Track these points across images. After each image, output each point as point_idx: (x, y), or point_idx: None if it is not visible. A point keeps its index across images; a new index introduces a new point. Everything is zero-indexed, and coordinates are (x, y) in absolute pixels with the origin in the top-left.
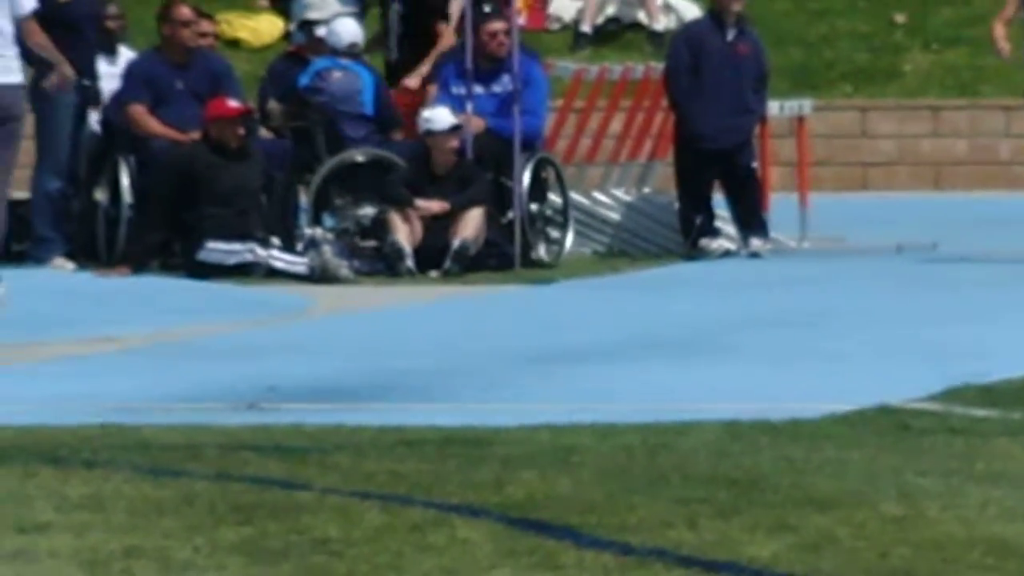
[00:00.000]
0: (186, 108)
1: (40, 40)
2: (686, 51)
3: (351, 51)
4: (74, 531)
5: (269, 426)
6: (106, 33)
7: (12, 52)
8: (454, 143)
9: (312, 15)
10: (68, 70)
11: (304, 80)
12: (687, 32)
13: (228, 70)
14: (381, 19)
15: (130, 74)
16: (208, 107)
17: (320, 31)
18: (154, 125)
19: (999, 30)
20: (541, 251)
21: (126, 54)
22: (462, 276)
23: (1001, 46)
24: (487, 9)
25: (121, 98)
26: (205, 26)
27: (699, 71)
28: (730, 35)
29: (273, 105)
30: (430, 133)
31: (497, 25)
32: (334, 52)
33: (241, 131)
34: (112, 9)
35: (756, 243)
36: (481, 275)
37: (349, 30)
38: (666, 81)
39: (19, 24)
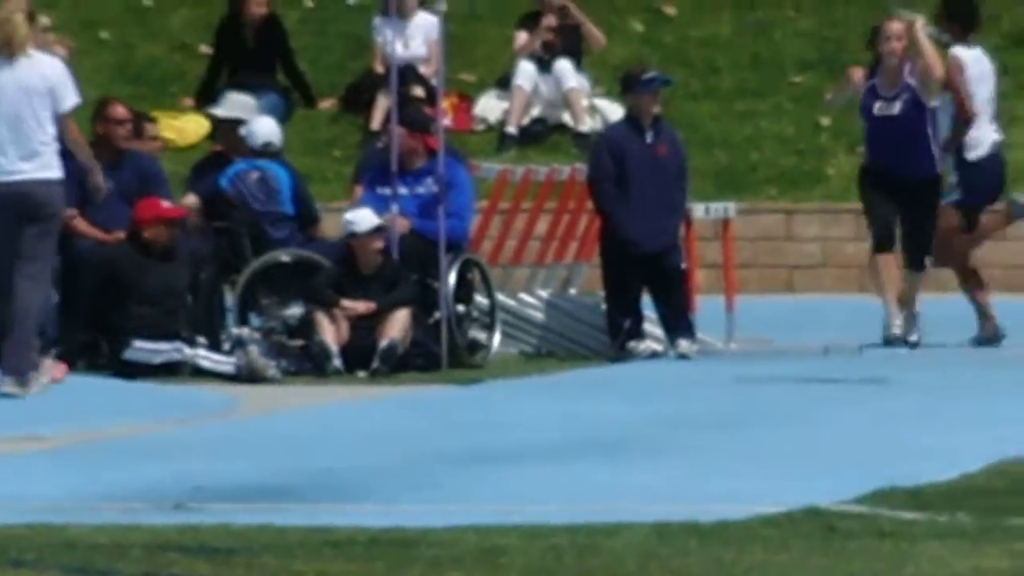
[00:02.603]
0: (114, 208)
1: (77, 138)
2: (608, 158)
3: (267, 150)
4: None
5: (196, 526)
6: None
7: (52, 147)
8: (377, 244)
9: (222, 113)
10: (100, 178)
11: (223, 182)
12: (607, 139)
13: (158, 171)
14: None
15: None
16: (140, 207)
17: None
18: (80, 225)
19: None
20: (470, 352)
21: None
22: (389, 376)
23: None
24: (418, 117)
25: None
26: (151, 129)
27: (623, 177)
28: (649, 137)
29: (191, 199)
30: (354, 235)
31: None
32: (252, 152)
33: (175, 233)
34: None
35: (684, 345)
36: (408, 375)
37: (264, 130)
38: (591, 189)
39: (59, 119)
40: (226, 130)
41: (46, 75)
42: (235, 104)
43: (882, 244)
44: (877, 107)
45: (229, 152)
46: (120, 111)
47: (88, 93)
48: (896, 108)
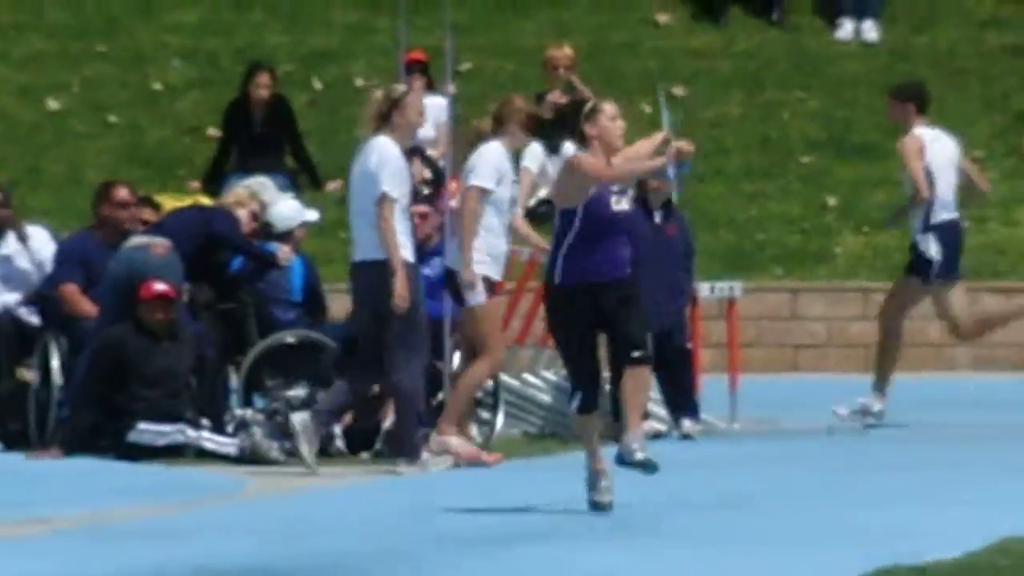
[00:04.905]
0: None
1: (385, 224)
2: None
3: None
4: None
5: None
6: None
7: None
8: None
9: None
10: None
11: (235, 264)
12: None
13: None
14: None
15: (64, 254)
16: (139, 289)
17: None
18: (86, 305)
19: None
20: (473, 432)
21: (38, 235)
22: (393, 458)
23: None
24: (426, 191)
25: (54, 278)
26: (147, 214)
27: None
28: (657, 217)
29: (203, 290)
30: None
31: (415, 208)
32: (269, 235)
33: (160, 315)
34: None
35: (687, 425)
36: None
37: (286, 215)
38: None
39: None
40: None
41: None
42: (263, 189)
43: (589, 404)
44: (615, 201)
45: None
46: (123, 193)
47: (97, 176)
48: (626, 203)
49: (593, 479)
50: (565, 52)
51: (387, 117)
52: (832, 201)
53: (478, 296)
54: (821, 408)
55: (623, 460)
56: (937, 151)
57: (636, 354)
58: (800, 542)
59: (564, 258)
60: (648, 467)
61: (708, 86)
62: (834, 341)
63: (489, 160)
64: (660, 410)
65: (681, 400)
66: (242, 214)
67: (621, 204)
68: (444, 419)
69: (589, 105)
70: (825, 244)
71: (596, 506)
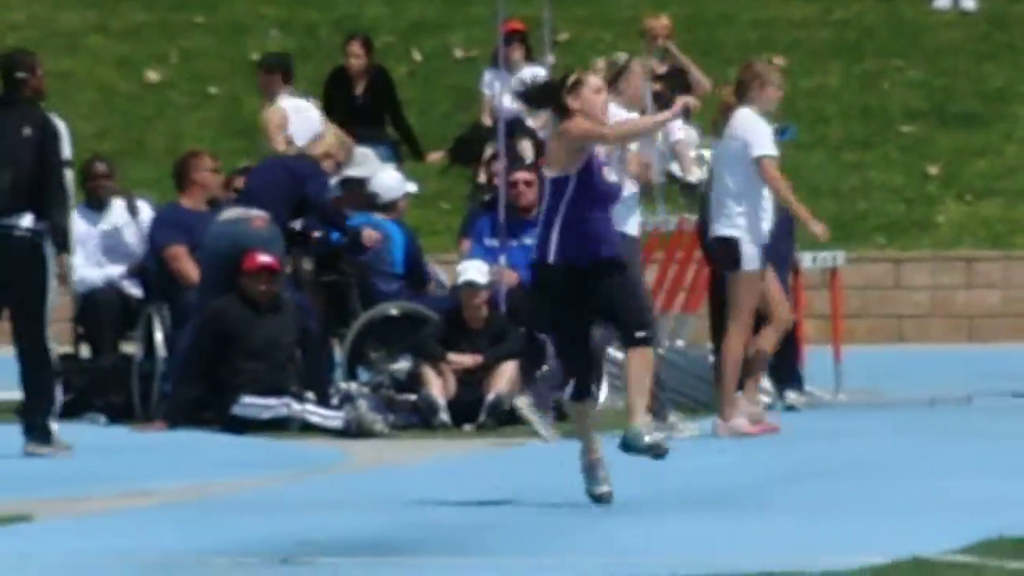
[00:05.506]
0: None
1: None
2: None
3: (388, 207)
4: None
5: None
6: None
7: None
8: (479, 299)
9: (353, 172)
10: None
11: (336, 236)
12: None
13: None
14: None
15: (164, 221)
16: (243, 260)
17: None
18: (193, 270)
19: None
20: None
21: (142, 208)
22: (497, 429)
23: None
24: (529, 160)
25: (159, 244)
26: (240, 183)
27: None
28: None
29: (306, 262)
30: (456, 288)
31: (519, 175)
32: (372, 206)
33: (264, 287)
34: (100, 167)
35: (791, 396)
36: (516, 428)
37: (390, 185)
38: (702, 239)
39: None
40: (352, 186)
41: None
42: (362, 161)
43: (582, 391)
44: (607, 172)
45: (344, 207)
46: (208, 160)
47: (196, 146)
48: (616, 175)
49: (589, 469)
50: (662, 22)
51: (613, 84)
52: (934, 170)
53: (753, 262)
54: (925, 378)
55: (628, 446)
56: (298, 122)
57: (640, 334)
58: (904, 513)
59: (559, 233)
60: (657, 451)
61: (807, 56)
62: (938, 311)
63: (761, 128)
64: (764, 381)
65: (785, 371)
66: (328, 165)
67: (612, 176)
68: (747, 392)
69: (572, 78)
70: (928, 213)
71: (597, 499)
